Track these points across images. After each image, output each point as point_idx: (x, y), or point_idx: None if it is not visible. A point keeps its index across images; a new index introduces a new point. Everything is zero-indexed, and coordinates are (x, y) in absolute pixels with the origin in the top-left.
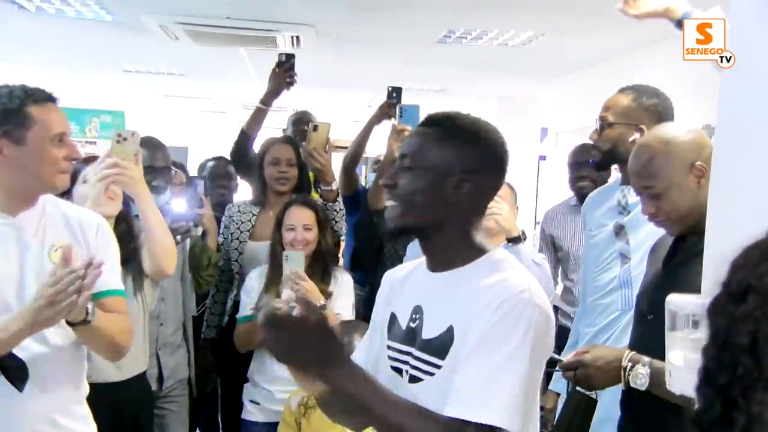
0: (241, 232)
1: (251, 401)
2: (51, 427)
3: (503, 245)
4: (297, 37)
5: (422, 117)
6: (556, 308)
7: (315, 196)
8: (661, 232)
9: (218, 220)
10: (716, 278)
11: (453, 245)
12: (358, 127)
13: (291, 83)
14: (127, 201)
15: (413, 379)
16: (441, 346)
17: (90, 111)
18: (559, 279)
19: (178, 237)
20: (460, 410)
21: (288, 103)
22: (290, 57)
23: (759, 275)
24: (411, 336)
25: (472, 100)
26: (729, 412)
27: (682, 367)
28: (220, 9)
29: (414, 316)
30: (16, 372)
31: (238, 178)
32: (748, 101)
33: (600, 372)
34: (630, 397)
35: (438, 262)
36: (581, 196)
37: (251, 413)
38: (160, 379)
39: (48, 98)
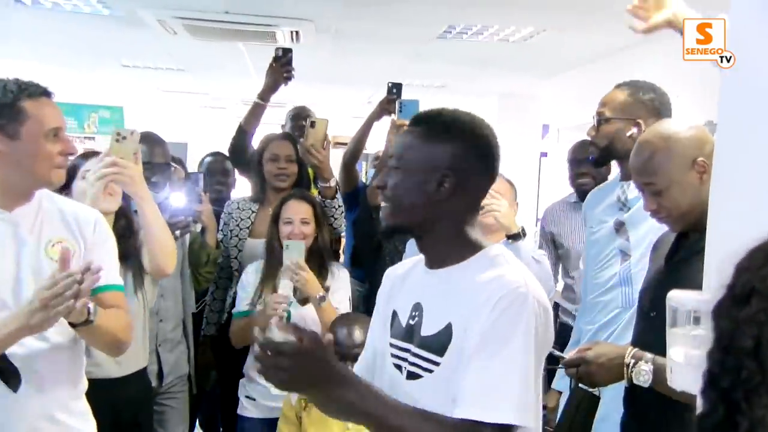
0: (241, 229)
1: (247, 397)
2: (50, 423)
3: (503, 242)
4: (296, 32)
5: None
6: (556, 305)
7: (314, 192)
8: (661, 228)
9: (217, 216)
10: (718, 276)
11: (447, 243)
12: (357, 123)
13: (288, 78)
14: (127, 196)
15: (411, 376)
16: (439, 344)
17: (88, 106)
18: (560, 276)
19: (177, 232)
20: (471, 412)
21: (287, 99)
22: (287, 52)
23: (762, 278)
24: (410, 333)
25: (472, 97)
26: (732, 415)
27: (683, 363)
28: (218, 3)
29: (414, 314)
30: (9, 375)
31: (236, 174)
32: (749, 98)
33: (602, 369)
34: (633, 394)
35: (434, 260)
36: (582, 193)
37: (247, 409)
38: (160, 375)
39: (42, 92)
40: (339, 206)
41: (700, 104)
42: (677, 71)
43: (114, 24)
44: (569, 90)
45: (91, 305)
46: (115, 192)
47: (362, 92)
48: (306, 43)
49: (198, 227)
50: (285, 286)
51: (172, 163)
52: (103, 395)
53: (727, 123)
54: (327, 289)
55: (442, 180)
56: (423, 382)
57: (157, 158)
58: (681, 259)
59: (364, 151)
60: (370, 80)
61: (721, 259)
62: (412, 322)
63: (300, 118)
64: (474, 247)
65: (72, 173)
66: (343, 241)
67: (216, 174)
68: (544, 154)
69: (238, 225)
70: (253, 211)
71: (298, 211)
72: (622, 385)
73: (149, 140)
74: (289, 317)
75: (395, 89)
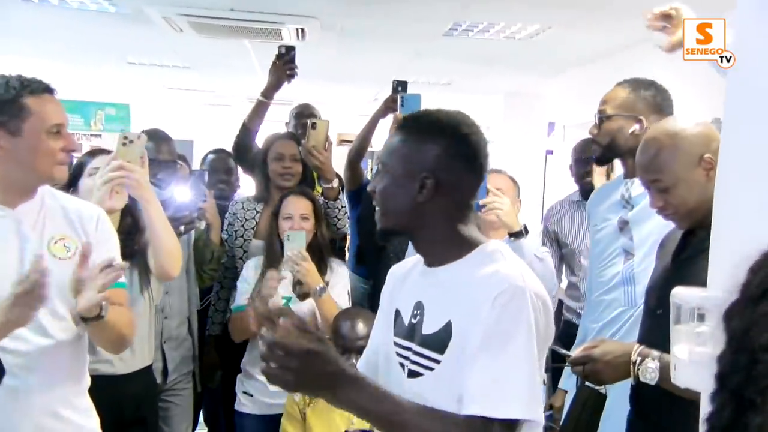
0: (246, 230)
1: (244, 393)
2: (54, 419)
3: (505, 240)
4: (302, 30)
5: (424, 107)
6: (560, 303)
7: (318, 191)
8: (665, 228)
9: (221, 213)
10: (723, 273)
11: (440, 242)
12: (363, 121)
13: (292, 76)
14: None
15: (412, 374)
16: (440, 342)
17: (95, 104)
18: (564, 275)
19: (182, 227)
20: (480, 409)
21: (293, 97)
22: (290, 49)
23: None
24: (412, 332)
25: (478, 95)
26: (744, 413)
27: (687, 360)
28: (224, 1)
29: (415, 312)
30: None
31: (240, 172)
32: (755, 97)
33: (609, 367)
34: (639, 391)
35: (431, 259)
36: (588, 192)
37: (245, 405)
38: (165, 372)
39: (45, 89)
40: (342, 207)
41: (706, 101)
42: (683, 68)
43: (120, 21)
44: (575, 88)
45: (104, 301)
46: (121, 190)
47: (368, 90)
48: (311, 40)
49: (202, 224)
50: (285, 281)
51: (178, 161)
52: (108, 392)
53: (733, 121)
54: (326, 284)
55: (423, 182)
56: (424, 380)
57: (164, 155)
58: (688, 257)
59: (370, 149)
60: (375, 78)
61: (726, 257)
62: (414, 321)
63: (303, 116)
64: (470, 244)
65: (79, 171)
66: (349, 239)
67: (219, 172)
68: (549, 152)
69: (242, 225)
70: (257, 211)
71: (297, 206)
72: (626, 382)
73: (156, 137)
74: (287, 304)
75: (400, 87)
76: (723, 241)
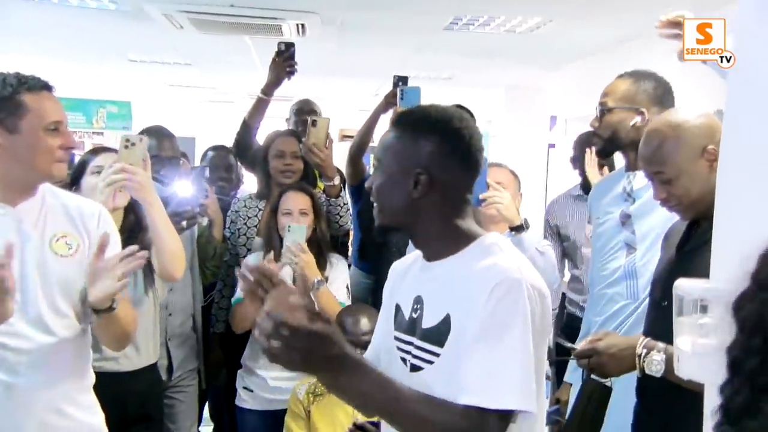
0: (248, 228)
1: (245, 388)
2: (58, 416)
3: (506, 234)
4: (302, 25)
5: (425, 101)
6: (563, 296)
7: (320, 187)
8: (668, 221)
9: (223, 210)
10: (726, 264)
11: (438, 237)
12: (365, 116)
13: (291, 72)
14: None
15: (414, 368)
16: (439, 335)
17: (96, 101)
18: (567, 268)
19: (184, 223)
20: (476, 399)
21: (293, 93)
22: (290, 46)
23: None
24: (413, 326)
25: (479, 89)
26: (759, 398)
27: (690, 352)
28: None
29: (415, 306)
30: None
31: (242, 169)
32: (757, 88)
33: (614, 359)
34: (645, 383)
35: (429, 254)
36: (591, 185)
37: (245, 401)
38: (170, 369)
39: (43, 86)
40: (344, 204)
41: (708, 93)
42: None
43: (120, 18)
44: (576, 81)
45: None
46: (123, 189)
47: (369, 85)
48: (312, 35)
49: (204, 221)
50: (285, 275)
51: (181, 158)
52: (113, 389)
53: (734, 112)
54: (326, 279)
55: (417, 179)
56: (424, 373)
57: (166, 152)
58: (691, 249)
59: (371, 144)
60: (376, 72)
61: (728, 249)
62: (414, 316)
63: (303, 112)
64: (468, 238)
65: (81, 169)
66: (351, 234)
67: (219, 169)
68: (551, 146)
69: (245, 223)
70: (260, 209)
71: (296, 202)
72: (631, 375)
73: (158, 134)
74: None
75: (401, 82)
76: (725, 233)
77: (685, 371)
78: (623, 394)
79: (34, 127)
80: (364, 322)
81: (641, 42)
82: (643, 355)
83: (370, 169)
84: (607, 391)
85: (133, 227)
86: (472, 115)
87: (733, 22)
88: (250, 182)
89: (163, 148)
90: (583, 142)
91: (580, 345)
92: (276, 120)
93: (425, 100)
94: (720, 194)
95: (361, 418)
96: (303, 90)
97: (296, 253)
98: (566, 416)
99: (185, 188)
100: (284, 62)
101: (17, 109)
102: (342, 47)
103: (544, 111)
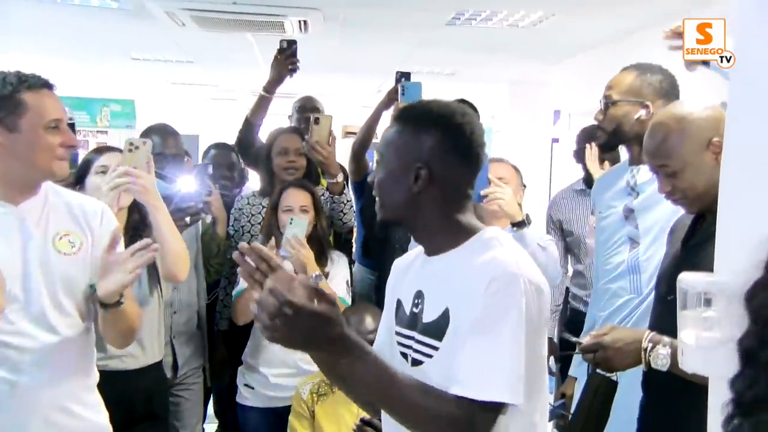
0: (252, 225)
1: (246, 385)
2: (63, 415)
3: (508, 229)
4: (304, 22)
5: (427, 97)
6: (567, 291)
7: (323, 184)
8: (672, 216)
9: (226, 207)
10: (729, 257)
11: (438, 231)
12: (367, 113)
13: (293, 70)
14: None
15: (415, 363)
16: (438, 329)
17: (100, 100)
18: (570, 263)
19: (187, 219)
20: (467, 390)
21: (296, 90)
22: (292, 43)
23: None
24: (414, 321)
25: (482, 84)
26: None
27: (694, 346)
28: None
29: (416, 301)
30: None
31: (244, 166)
32: (760, 82)
33: (620, 353)
34: (651, 378)
35: (430, 248)
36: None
37: (246, 398)
38: (175, 367)
39: (43, 84)
40: (347, 201)
41: (713, 85)
42: None
43: (123, 17)
44: (580, 75)
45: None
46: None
47: (372, 81)
48: (314, 32)
49: (208, 218)
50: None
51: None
52: (119, 387)
53: (737, 105)
54: (326, 275)
55: (417, 173)
56: (425, 367)
57: (170, 149)
58: (697, 243)
59: (375, 140)
60: (379, 68)
61: (731, 243)
62: (415, 310)
63: (306, 109)
64: (468, 232)
65: (86, 168)
66: (355, 231)
67: (221, 167)
68: (555, 140)
69: (249, 221)
70: (263, 206)
71: (297, 199)
72: (636, 370)
73: (162, 131)
74: None
75: (403, 78)
76: (728, 226)
77: (689, 365)
78: (628, 389)
79: (33, 125)
80: (369, 321)
81: (644, 35)
82: (648, 349)
83: (373, 166)
84: (613, 386)
85: (137, 226)
86: (475, 110)
87: (733, 19)
88: (255, 180)
89: (168, 146)
90: (586, 136)
91: (585, 340)
92: (278, 117)
93: (428, 95)
94: (723, 188)
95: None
96: (305, 87)
97: (295, 246)
98: (571, 411)
99: (188, 184)
100: (286, 60)
101: (17, 108)
102: (344, 43)
103: (547, 105)
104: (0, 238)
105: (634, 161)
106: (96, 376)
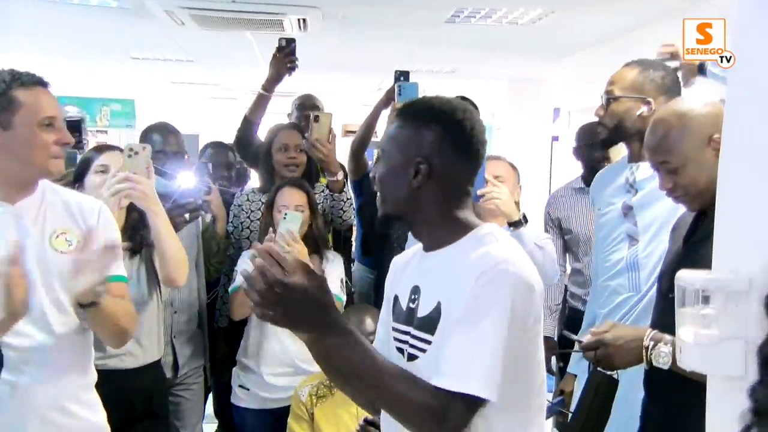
0: (252, 221)
1: (240, 386)
2: (61, 414)
3: (504, 228)
4: (303, 20)
5: (428, 95)
6: (566, 289)
7: (323, 181)
8: (671, 212)
9: (225, 205)
10: (728, 254)
11: (436, 226)
12: (367, 111)
13: (292, 68)
14: None
15: (411, 358)
16: (431, 323)
17: (100, 100)
18: (569, 261)
19: (187, 215)
20: (442, 381)
21: (296, 88)
22: (290, 41)
23: None
24: (410, 316)
25: (482, 82)
26: None
27: (692, 343)
28: None
29: (413, 297)
30: None
31: (244, 164)
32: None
33: (621, 351)
34: (652, 376)
35: (428, 243)
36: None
37: (241, 399)
38: (175, 366)
39: (37, 82)
40: (347, 199)
41: (714, 82)
42: None
43: (122, 15)
44: (579, 72)
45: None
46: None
47: (372, 79)
48: (313, 30)
49: (208, 217)
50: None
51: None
52: (118, 386)
53: (735, 102)
54: (322, 273)
55: (417, 168)
56: (419, 362)
57: (171, 147)
58: (698, 240)
59: (374, 139)
60: (379, 67)
61: (730, 240)
62: (412, 306)
63: (305, 107)
64: (465, 228)
65: (85, 167)
66: (355, 230)
67: (219, 167)
68: (555, 138)
69: (248, 217)
70: (262, 203)
71: (292, 198)
72: (635, 368)
73: (163, 130)
74: None
75: (402, 77)
76: (727, 224)
77: (687, 362)
78: (628, 387)
79: (27, 122)
80: (369, 323)
81: (644, 32)
82: (650, 347)
83: (372, 165)
84: (614, 384)
85: (136, 224)
86: (476, 107)
87: (731, 18)
88: (256, 179)
89: (168, 143)
90: (585, 133)
91: (586, 338)
92: (277, 116)
93: (428, 94)
94: (721, 186)
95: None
96: (305, 85)
97: (289, 241)
98: (571, 408)
99: (188, 180)
100: (285, 58)
101: (10, 105)
102: (344, 42)
103: (547, 103)
104: None
105: (634, 158)
106: (94, 376)
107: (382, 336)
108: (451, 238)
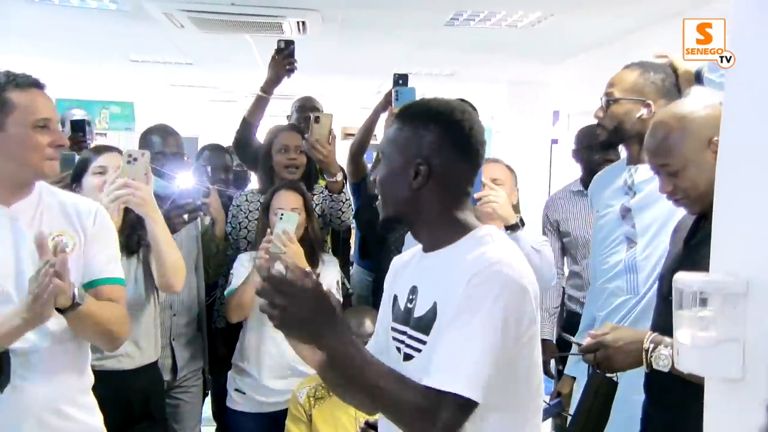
0: (250, 221)
1: (236, 390)
2: (57, 416)
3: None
4: (303, 23)
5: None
6: (563, 292)
7: (321, 183)
8: (669, 214)
9: (224, 207)
10: (725, 256)
11: (435, 227)
12: (366, 114)
13: (291, 70)
14: None
15: (407, 357)
16: (427, 323)
17: (99, 102)
18: (567, 264)
19: (186, 216)
20: (432, 380)
21: (295, 91)
22: (289, 43)
23: None
24: (407, 316)
25: (482, 85)
26: None
27: (690, 345)
28: None
29: (410, 297)
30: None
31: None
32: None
33: (621, 353)
34: (653, 379)
35: (427, 244)
36: None
37: (237, 403)
38: (174, 369)
39: (32, 83)
40: (346, 200)
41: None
42: None
43: (121, 18)
44: (579, 75)
45: (75, 290)
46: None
47: (371, 82)
48: (313, 33)
49: (207, 220)
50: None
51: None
52: (116, 387)
53: (733, 105)
54: (317, 276)
55: (417, 169)
56: (415, 361)
57: (170, 148)
58: (698, 242)
59: (373, 142)
60: (378, 70)
61: (728, 242)
62: (409, 305)
63: (306, 109)
64: (464, 229)
65: (83, 167)
66: (354, 232)
67: (216, 170)
68: (554, 141)
69: (246, 217)
70: (261, 203)
71: (288, 201)
72: (634, 372)
73: (163, 131)
74: None
75: (401, 80)
76: (724, 226)
77: (684, 365)
78: (628, 388)
79: (21, 123)
80: (368, 324)
81: (643, 34)
82: (650, 349)
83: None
84: (614, 386)
85: (134, 224)
86: (475, 109)
87: (730, 19)
88: (256, 181)
89: (168, 145)
90: (584, 136)
91: (585, 340)
92: (277, 118)
93: (427, 96)
94: (719, 188)
95: (362, 418)
96: (304, 88)
97: (285, 242)
98: (569, 410)
99: (187, 180)
100: (284, 60)
101: (3, 106)
102: (343, 44)
103: (547, 106)
104: None
105: (633, 160)
106: (91, 378)
107: (380, 336)
108: (450, 239)
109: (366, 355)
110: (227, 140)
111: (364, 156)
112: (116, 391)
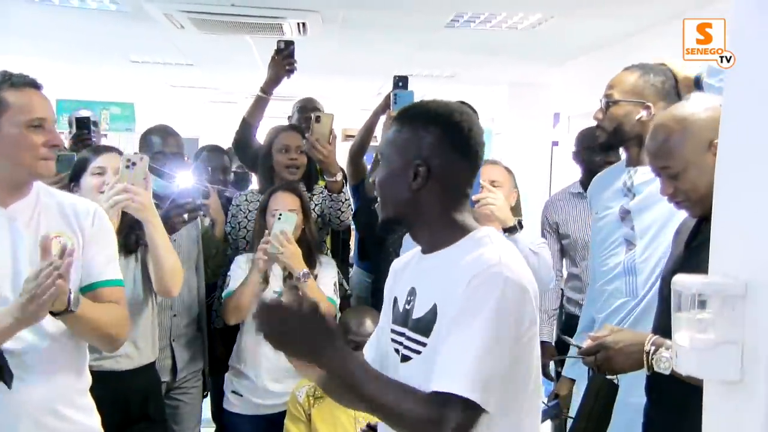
0: (249, 221)
1: (233, 392)
2: (54, 417)
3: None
4: (303, 24)
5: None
6: (562, 294)
7: (321, 183)
8: (669, 216)
9: (223, 207)
10: (724, 258)
11: (434, 229)
12: (367, 116)
13: (291, 71)
14: None
15: (404, 359)
16: (426, 325)
17: (100, 103)
18: (565, 266)
19: (185, 215)
20: (435, 384)
21: (295, 92)
22: (289, 44)
23: None
24: (405, 317)
25: (482, 87)
26: None
27: (688, 347)
28: None
29: (409, 298)
30: (3, 371)
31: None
32: (756, 83)
33: (621, 354)
34: (654, 381)
35: (426, 246)
36: None
37: (234, 405)
38: (174, 370)
39: (28, 83)
40: (346, 200)
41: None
42: None
43: (121, 19)
44: (579, 77)
45: (71, 294)
46: None
47: (371, 83)
48: (313, 34)
49: (207, 221)
50: (276, 275)
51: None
52: (114, 387)
53: (733, 106)
54: (315, 277)
55: (416, 170)
56: (413, 363)
57: (170, 149)
58: (699, 244)
59: (373, 143)
60: (378, 71)
61: (727, 244)
62: (408, 307)
63: (307, 109)
64: (463, 230)
65: (82, 167)
66: (353, 233)
67: (214, 170)
68: (555, 143)
69: (246, 217)
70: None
71: (285, 202)
72: (634, 375)
73: (163, 132)
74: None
75: (401, 82)
76: (723, 228)
77: (683, 367)
78: (628, 391)
79: (14, 123)
80: (369, 324)
81: (644, 37)
82: (651, 352)
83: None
84: (614, 388)
85: (132, 224)
86: (474, 111)
87: (730, 19)
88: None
89: (168, 145)
90: (584, 138)
91: (585, 342)
92: (277, 120)
93: (427, 98)
94: (718, 189)
95: (363, 421)
96: (304, 89)
97: (282, 242)
98: (569, 412)
99: (186, 179)
100: (283, 60)
101: None
102: (343, 46)
103: (547, 108)
104: None
105: (632, 162)
106: (88, 379)
107: (380, 338)
108: (449, 241)
109: (367, 369)
110: (227, 141)
111: (364, 158)
112: (114, 392)
